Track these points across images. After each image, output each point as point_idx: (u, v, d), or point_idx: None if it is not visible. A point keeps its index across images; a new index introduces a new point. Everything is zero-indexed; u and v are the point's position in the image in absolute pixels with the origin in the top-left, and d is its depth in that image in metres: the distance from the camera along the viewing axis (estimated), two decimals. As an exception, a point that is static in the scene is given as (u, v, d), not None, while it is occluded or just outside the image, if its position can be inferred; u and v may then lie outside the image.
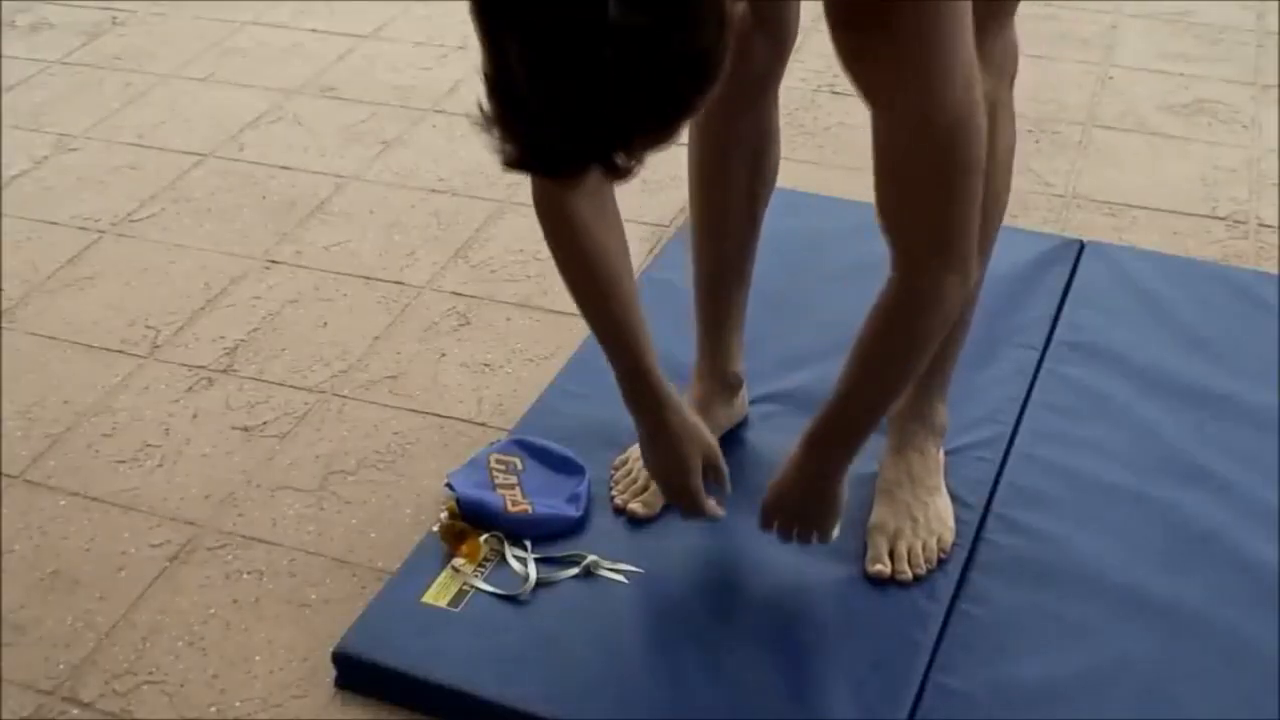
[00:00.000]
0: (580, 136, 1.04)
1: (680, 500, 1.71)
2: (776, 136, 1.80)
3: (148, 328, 2.31)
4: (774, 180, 1.82)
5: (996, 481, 1.85)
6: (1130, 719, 1.54)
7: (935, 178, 1.34)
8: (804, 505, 1.64)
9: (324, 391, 2.15)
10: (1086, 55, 3.13)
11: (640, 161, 1.07)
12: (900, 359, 1.48)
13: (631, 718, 1.55)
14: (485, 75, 1.04)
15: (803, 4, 1.69)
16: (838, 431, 1.57)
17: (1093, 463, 1.88)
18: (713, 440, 1.71)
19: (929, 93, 1.28)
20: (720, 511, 1.72)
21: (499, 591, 1.70)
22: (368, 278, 2.43)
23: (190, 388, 2.17)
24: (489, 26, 1.03)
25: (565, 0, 0.98)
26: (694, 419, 1.68)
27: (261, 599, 1.78)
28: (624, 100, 1.02)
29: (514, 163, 1.06)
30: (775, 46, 1.68)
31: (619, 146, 1.05)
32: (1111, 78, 3.03)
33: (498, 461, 1.88)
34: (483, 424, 2.06)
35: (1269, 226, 2.49)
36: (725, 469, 1.72)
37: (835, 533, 1.67)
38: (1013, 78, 1.67)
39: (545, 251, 2.41)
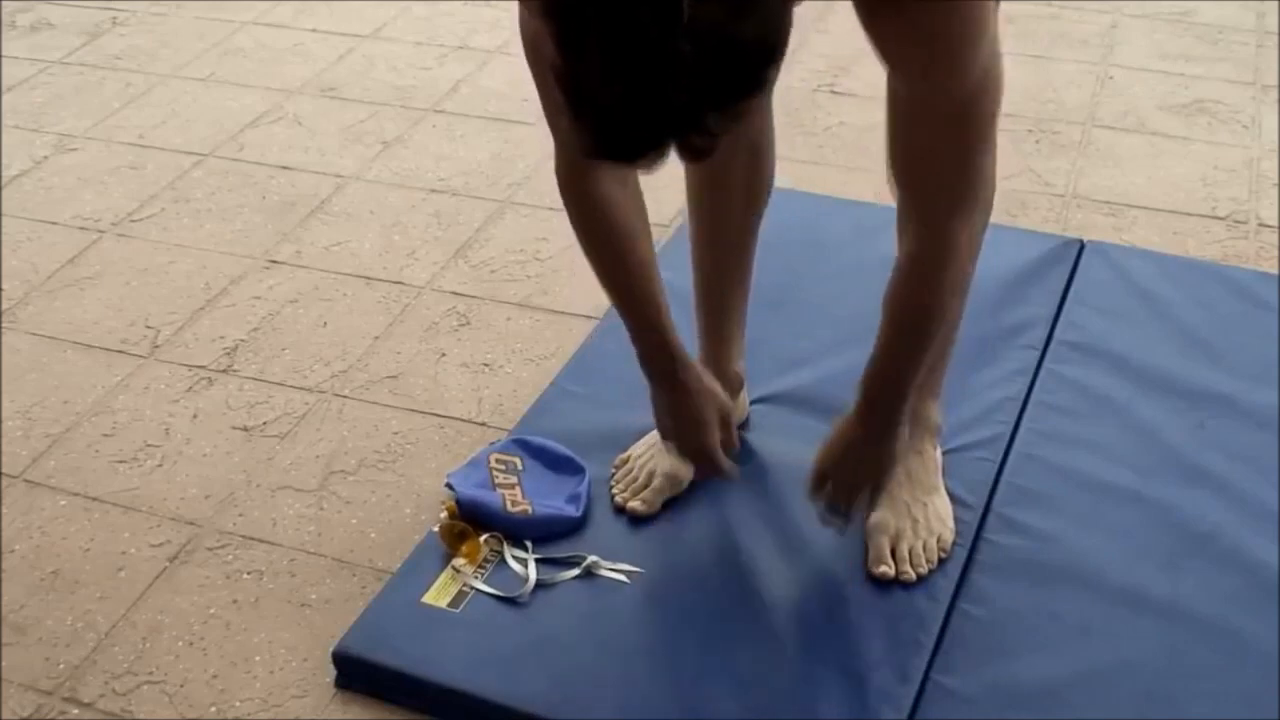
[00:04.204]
0: (656, 124, 1.06)
1: (698, 459, 1.72)
2: (771, 138, 1.79)
3: (148, 328, 2.31)
4: (771, 182, 1.82)
5: (996, 481, 1.85)
6: (1130, 719, 1.54)
7: (958, 138, 1.36)
8: (860, 462, 1.64)
9: (324, 391, 2.15)
10: (1086, 55, 3.13)
11: (717, 137, 1.08)
12: (930, 308, 1.50)
13: (631, 718, 1.55)
14: (557, 71, 1.05)
15: (804, 4, 1.68)
16: (884, 389, 1.58)
17: (1093, 463, 1.88)
18: (727, 399, 1.72)
19: (958, 62, 1.29)
20: (736, 472, 1.73)
21: (499, 593, 1.70)
22: (368, 278, 2.42)
23: (190, 388, 2.17)
24: (564, 27, 1.04)
25: (642, 2, 1.00)
26: (709, 379, 1.70)
27: (261, 599, 1.78)
28: (698, 86, 1.03)
29: (591, 153, 1.08)
30: None
31: (694, 128, 1.07)
32: (1111, 78, 3.03)
33: (498, 461, 1.88)
34: (483, 424, 2.06)
35: (1269, 226, 2.49)
36: (736, 430, 1.74)
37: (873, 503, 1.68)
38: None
39: (545, 251, 2.46)
